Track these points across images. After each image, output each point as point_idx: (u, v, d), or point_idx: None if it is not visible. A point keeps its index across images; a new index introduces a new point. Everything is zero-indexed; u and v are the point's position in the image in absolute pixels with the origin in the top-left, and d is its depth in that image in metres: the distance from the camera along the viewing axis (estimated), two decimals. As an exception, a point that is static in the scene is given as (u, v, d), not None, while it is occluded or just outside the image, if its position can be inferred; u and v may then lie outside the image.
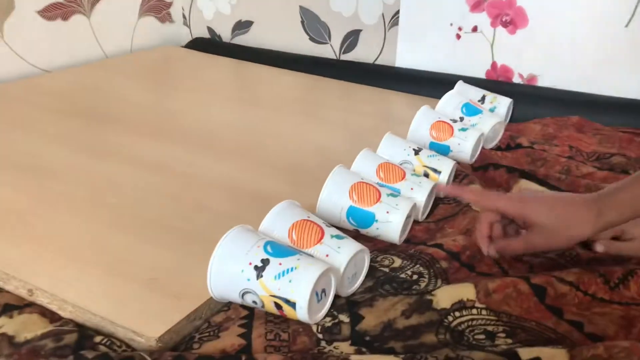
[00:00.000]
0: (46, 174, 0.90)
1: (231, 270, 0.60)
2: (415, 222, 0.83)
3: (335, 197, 0.76)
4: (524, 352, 0.54)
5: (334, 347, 0.58)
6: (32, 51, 1.39)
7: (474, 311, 0.63)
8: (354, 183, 0.77)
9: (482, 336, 0.59)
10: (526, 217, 0.67)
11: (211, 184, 0.89)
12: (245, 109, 1.27)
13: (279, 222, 0.67)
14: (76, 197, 0.83)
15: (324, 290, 0.62)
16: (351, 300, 0.65)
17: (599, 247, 0.72)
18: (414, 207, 0.78)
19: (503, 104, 1.17)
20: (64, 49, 1.46)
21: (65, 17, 1.44)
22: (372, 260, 0.73)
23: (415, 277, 0.69)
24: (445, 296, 0.64)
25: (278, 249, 0.61)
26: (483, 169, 0.99)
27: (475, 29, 1.34)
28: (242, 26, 1.67)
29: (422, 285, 0.68)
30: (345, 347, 0.57)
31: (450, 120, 1.00)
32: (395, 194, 0.78)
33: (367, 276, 0.70)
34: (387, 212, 0.75)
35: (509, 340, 0.58)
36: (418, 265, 0.71)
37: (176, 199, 0.85)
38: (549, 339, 0.58)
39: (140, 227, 0.77)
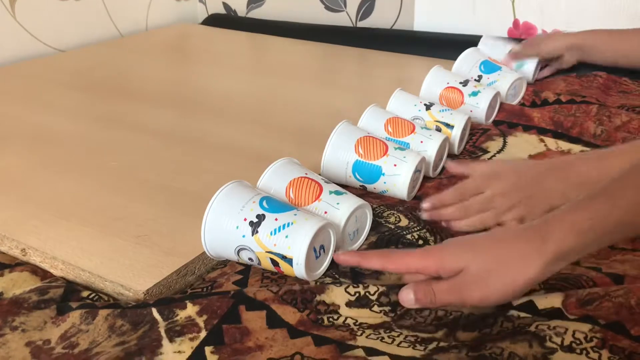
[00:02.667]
0: (49, 142, 0.89)
1: (226, 226, 0.57)
2: (427, 178, 0.79)
3: (340, 152, 0.73)
4: (516, 300, 0.50)
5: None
6: (45, 31, 1.39)
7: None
8: (359, 137, 0.73)
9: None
10: (448, 269, 0.50)
11: (216, 148, 0.87)
12: (258, 78, 1.24)
13: (276, 180, 0.64)
14: (76, 162, 0.82)
15: (322, 247, 0.58)
16: (356, 270, 0.60)
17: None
18: (424, 160, 0.74)
19: (530, 63, 1.10)
20: (78, 29, 1.46)
21: (78, -4, 1.44)
22: (377, 216, 0.69)
23: (420, 242, 0.65)
24: None
25: (274, 205, 0.58)
26: (509, 125, 0.93)
27: (494, -15, 1.29)
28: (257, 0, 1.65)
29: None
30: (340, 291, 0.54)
31: (462, 83, 0.94)
32: (403, 147, 0.74)
33: (371, 230, 0.66)
34: (395, 165, 0.71)
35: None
36: (424, 230, 0.67)
37: (178, 162, 0.83)
38: (563, 285, 0.53)
39: (138, 188, 0.75)
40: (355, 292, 0.52)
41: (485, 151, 0.86)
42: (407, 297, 0.50)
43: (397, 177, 0.71)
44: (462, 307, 0.51)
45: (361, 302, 0.52)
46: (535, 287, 0.51)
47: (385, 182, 0.72)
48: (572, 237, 0.47)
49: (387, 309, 0.51)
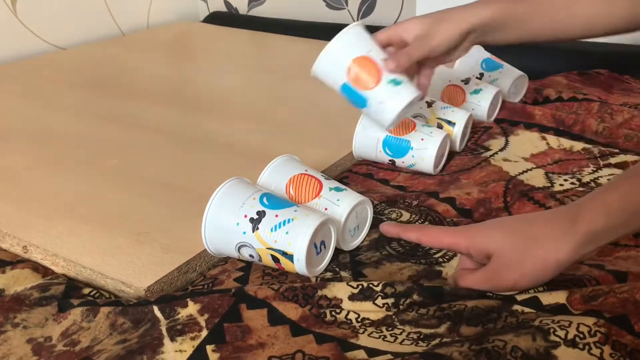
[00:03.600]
0: (50, 139, 0.89)
1: (226, 223, 0.57)
2: (427, 175, 0.79)
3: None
4: (520, 296, 0.50)
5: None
6: (47, 29, 1.39)
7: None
8: None
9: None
10: (478, 248, 0.50)
11: (217, 145, 0.87)
12: (259, 76, 1.24)
13: (276, 177, 0.64)
14: (77, 159, 0.82)
15: (323, 243, 0.58)
16: (356, 260, 0.61)
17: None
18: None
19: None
20: (79, 26, 1.46)
21: (79, -6, 1.44)
22: (379, 213, 0.69)
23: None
24: (454, 269, 0.59)
25: (275, 201, 0.58)
26: (510, 124, 0.93)
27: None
28: (258, -3, 1.65)
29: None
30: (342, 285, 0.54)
31: (464, 81, 0.94)
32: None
33: (372, 227, 0.66)
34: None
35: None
36: (427, 223, 0.67)
37: (179, 159, 0.83)
38: (566, 286, 0.53)
39: (138, 185, 0.75)
40: (358, 285, 0.52)
41: (487, 149, 0.86)
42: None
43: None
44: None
45: (364, 294, 0.52)
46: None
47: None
48: (602, 218, 0.46)
49: (390, 301, 0.51)
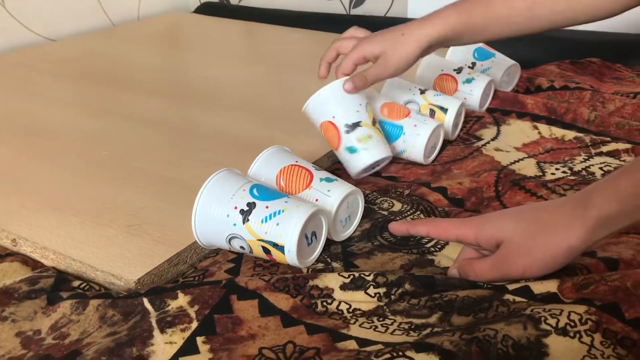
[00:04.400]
0: (40, 131, 0.88)
1: (216, 215, 0.57)
2: (420, 165, 0.79)
3: None
4: (512, 285, 0.50)
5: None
6: (36, 20, 1.37)
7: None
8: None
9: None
10: (488, 237, 0.50)
11: (208, 137, 0.86)
12: (251, 67, 1.23)
13: (266, 168, 0.64)
14: (67, 151, 0.82)
15: (314, 234, 0.58)
16: (348, 251, 0.61)
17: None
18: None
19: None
20: (69, 18, 1.44)
21: (68, -15, 1.42)
22: (370, 202, 0.69)
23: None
24: (447, 259, 0.59)
25: (265, 192, 0.57)
26: (503, 113, 0.93)
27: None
28: (250, -13, 1.64)
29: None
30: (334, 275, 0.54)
31: (456, 70, 0.94)
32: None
33: (364, 218, 0.66)
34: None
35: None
36: (419, 212, 0.67)
37: (169, 151, 0.82)
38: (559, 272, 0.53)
39: (129, 177, 0.74)
40: (350, 275, 0.52)
41: (479, 139, 0.86)
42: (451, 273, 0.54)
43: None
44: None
45: (356, 283, 0.51)
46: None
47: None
48: (614, 204, 0.45)
49: (382, 291, 0.51)
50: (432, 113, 0.83)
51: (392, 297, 0.50)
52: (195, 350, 0.47)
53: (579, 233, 0.46)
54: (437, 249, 0.60)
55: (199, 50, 1.35)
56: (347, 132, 0.71)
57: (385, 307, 0.50)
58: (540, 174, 0.75)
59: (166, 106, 0.99)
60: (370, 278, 0.51)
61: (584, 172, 0.74)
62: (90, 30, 1.48)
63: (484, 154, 0.81)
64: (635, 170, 0.46)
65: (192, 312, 0.50)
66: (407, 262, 0.58)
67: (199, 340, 0.47)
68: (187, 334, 0.48)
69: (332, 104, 0.73)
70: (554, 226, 0.47)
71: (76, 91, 1.06)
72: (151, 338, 0.48)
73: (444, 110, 0.83)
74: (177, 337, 0.48)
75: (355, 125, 0.72)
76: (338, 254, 0.61)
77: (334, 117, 0.72)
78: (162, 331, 0.48)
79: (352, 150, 0.72)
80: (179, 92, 1.07)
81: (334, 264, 0.59)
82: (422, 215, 0.66)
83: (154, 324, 0.49)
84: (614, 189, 0.46)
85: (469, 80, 0.92)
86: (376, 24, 1.39)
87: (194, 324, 0.48)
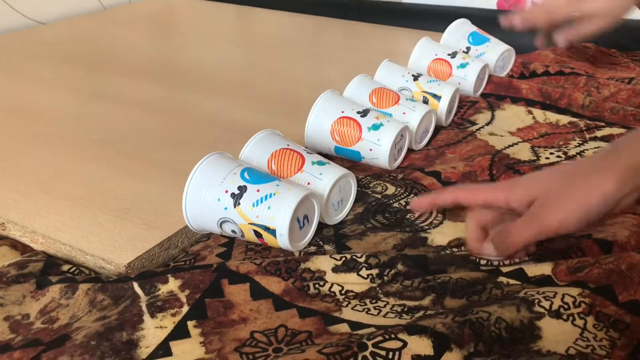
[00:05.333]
0: (29, 114, 0.87)
1: (207, 199, 0.56)
2: (413, 150, 0.78)
3: (323, 121, 0.72)
4: (505, 268, 0.49)
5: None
6: (25, 3, 1.35)
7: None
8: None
9: (484, 261, 0.53)
10: (520, 196, 0.49)
11: (200, 121, 0.85)
12: (244, 51, 1.22)
13: (258, 152, 0.63)
14: (57, 135, 0.80)
15: (306, 217, 0.58)
16: (340, 233, 0.61)
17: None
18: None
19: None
20: (60, 1, 1.42)
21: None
22: (364, 186, 0.68)
23: (408, 207, 0.64)
24: (441, 236, 0.59)
25: (256, 175, 0.57)
26: (497, 98, 0.92)
27: (484, -44, 1.26)
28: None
29: (416, 215, 0.63)
30: (326, 258, 0.53)
31: (450, 55, 0.93)
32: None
33: (357, 202, 0.65)
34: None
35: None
36: (412, 195, 0.67)
37: (161, 135, 0.81)
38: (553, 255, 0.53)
39: (119, 160, 0.73)
40: (342, 257, 0.52)
41: (474, 124, 0.85)
42: (489, 251, 0.51)
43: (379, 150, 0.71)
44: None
45: (348, 265, 0.51)
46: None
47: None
48: None
49: (374, 272, 0.50)
50: (425, 100, 0.82)
51: (385, 278, 0.50)
52: (186, 335, 0.46)
53: (612, 180, 0.45)
54: (430, 227, 0.60)
55: (191, 33, 1.33)
56: (362, 116, 0.71)
57: (378, 289, 0.50)
58: (535, 158, 0.74)
59: (158, 90, 0.98)
60: (362, 260, 0.51)
61: (578, 157, 0.74)
62: (81, 14, 1.46)
63: (478, 139, 0.81)
64: None
65: (182, 296, 0.49)
66: (399, 241, 0.58)
67: (190, 324, 0.47)
68: (178, 318, 0.47)
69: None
70: (587, 177, 0.47)
71: (67, 75, 1.05)
72: (141, 322, 0.47)
73: (437, 98, 0.82)
74: (168, 322, 0.47)
75: (366, 111, 0.71)
76: (330, 236, 0.60)
77: (342, 111, 0.71)
78: (152, 316, 0.48)
79: (376, 126, 0.70)
80: (170, 76, 1.06)
81: (326, 247, 0.58)
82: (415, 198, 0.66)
83: (144, 308, 0.48)
84: None
85: (463, 65, 0.92)
86: (372, 8, 1.39)
87: (185, 309, 0.48)
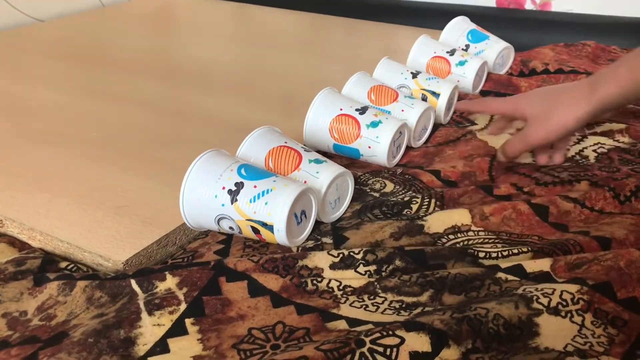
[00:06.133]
0: (28, 112, 0.87)
1: (204, 196, 0.56)
2: (412, 147, 0.78)
3: (322, 118, 0.72)
4: (505, 262, 0.49)
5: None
6: (25, 1, 1.34)
7: (470, 233, 0.58)
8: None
9: (482, 254, 0.53)
10: (520, 111, 0.67)
11: (199, 118, 0.85)
12: (243, 48, 1.22)
13: (255, 149, 0.63)
14: (56, 132, 0.80)
15: (303, 212, 0.57)
16: (337, 226, 0.61)
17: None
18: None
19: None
20: (58, -2, 1.42)
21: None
22: (362, 184, 0.68)
23: (407, 198, 0.64)
24: (437, 222, 0.59)
25: (253, 172, 0.57)
26: (496, 95, 0.92)
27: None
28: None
29: (414, 207, 0.62)
30: (323, 254, 0.53)
31: (449, 52, 0.93)
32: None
33: (355, 200, 0.65)
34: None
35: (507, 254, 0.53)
36: (411, 192, 0.66)
37: (159, 132, 0.81)
38: (551, 249, 0.53)
39: (118, 158, 0.73)
40: (339, 254, 0.52)
41: (473, 122, 0.85)
42: (498, 155, 0.71)
43: (374, 156, 0.71)
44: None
45: (345, 262, 0.51)
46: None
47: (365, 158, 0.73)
48: (613, 87, 0.59)
49: (372, 269, 0.50)
50: (424, 98, 0.82)
51: (383, 274, 0.50)
52: (184, 332, 0.46)
53: (585, 109, 0.61)
54: (427, 214, 0.60)
55: (190, 31, 1.33)
56: (361, 113, 0.71)
57: (376, 284, 0.49)
58: (534, 159, 0.74)
59: (156, 87, 0.98)
60: (359, 256, 0.51)
61: (577, 157, 0.73)
62: (80, 11, 1.46)
63: (478, 139, 0.80)
64: (631, 59, 0.60)
65: (180, 294, 0.49)
66: (396, 229, 0.58)
67: (188, 322, 0.47)
68: (176, 316, 0.47)
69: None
70: (567, 104, 0.62)
71: (65, 72, 1.04)
72: (139, 320, 0.47)
73: (436, 95, 0.82)
74: (165, 320, 0.47)
75: (365, 108, 0.71)
76: (328, 230, 0.60)
77: (341, 109, 0.71)
78: (150, 313, 0.48)
79: (374, 124, 0.70)
80: (169, 73, 1.05)
81: (324, 239, 0.58)
82: (415, 194, 0.65)
83: (141, 306, 0.48)
84: (613, 75, 0.60)
85: (462, 63, 0.91)
86: (370, 6, 1.39)
87: (182, 306, 0.48)
